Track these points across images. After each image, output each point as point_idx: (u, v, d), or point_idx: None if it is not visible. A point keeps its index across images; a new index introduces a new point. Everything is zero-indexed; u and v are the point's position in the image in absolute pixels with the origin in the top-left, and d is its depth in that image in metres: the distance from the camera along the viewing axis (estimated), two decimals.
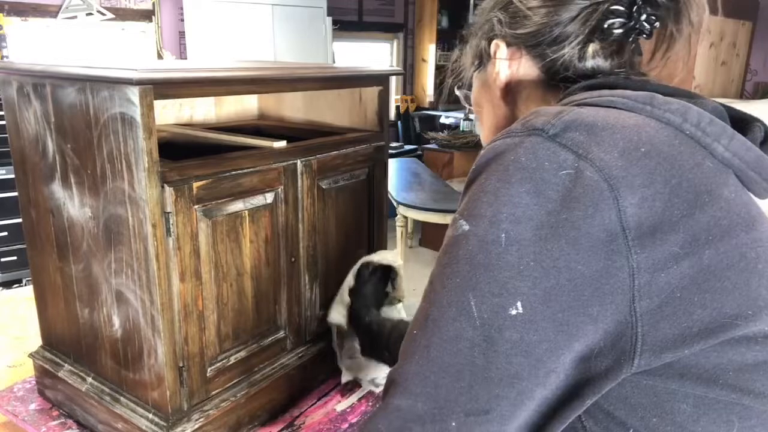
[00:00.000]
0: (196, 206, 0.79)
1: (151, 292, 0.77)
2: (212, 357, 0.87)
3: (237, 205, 0.85)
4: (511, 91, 0.65)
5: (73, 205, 0.85)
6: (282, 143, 0.93)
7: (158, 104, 0.74)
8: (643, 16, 0.57)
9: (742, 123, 0.53)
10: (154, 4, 4.12)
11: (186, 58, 4.15)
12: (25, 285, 3.04)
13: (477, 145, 4.59)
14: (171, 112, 1.21)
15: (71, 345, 0.96)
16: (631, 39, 0.59)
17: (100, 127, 0.76)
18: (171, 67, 0.78)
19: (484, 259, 0.46)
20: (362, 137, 1.09)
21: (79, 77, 0.76)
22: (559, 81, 0.60)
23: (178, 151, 0.87)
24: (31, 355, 1.02)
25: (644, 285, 0.43)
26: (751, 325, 0.45)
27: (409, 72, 6.29)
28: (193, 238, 0.79)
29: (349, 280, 1.04)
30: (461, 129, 5.21)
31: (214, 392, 0.88)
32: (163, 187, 0.74)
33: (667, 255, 0.43)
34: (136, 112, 0.70)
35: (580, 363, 0.46)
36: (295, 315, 1.00)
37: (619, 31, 0.57)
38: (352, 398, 1.06)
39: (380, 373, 1.07)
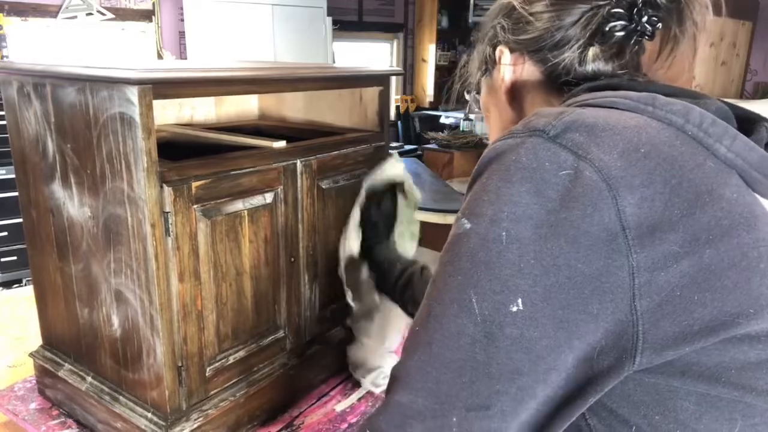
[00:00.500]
0: (195, 206, 0.79)
1: (150, 292, 0.77)
2: (211, 357, 0.87)
3: (236, 205, 0.85)
4: (516, 95, 0.66)
5: (73, 204, 0.85)
6: (282, 143, 0.93)
7: (159, 104, 0.74)
8: (644, 18, 0.57)
9: (748, 122, 0.53)
10: (154, 4, 4.12)
11: (186, 58, 4.16)
12: (25, 285, 3.04)
13: (477, 145, 4.59)
14: (171, 112, 1.21)
15: (71, 344, 0.96)
16: (633, 41, 0.60)
17: (99, 127, 0.76)
18: (170, 67, 0.78)
19: (485, 256, 0.46)
20: (362, 137, 1.09)
21: (79, 77, 0.76)
22: (561, 84, 0.61)
23: (179, 151, 0.87)
24: (31, 355, 1.02)
25: (644, 284, 0.44)
26: (753, 324, 0.46)
27: (409, 72, 6.30)
28: (192, 237, 0.79)
29: (356, 215, 1.01)
30: (461, 129, 5.21)
31: (213, 392, 0.88)
32: (162, 187, 0.74)
33: (666, 254, 0.44)
34: (135, 112, 0.70)
35: (582, 362, 0.46)
36: (294, 315, 1.00)
37: (621, 33, 0.58)
38: (352, 398, 1.06)
39: (383, 362, 1.07)
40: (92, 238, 0.83)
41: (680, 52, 0.61)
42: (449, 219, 3.15)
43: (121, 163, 0.74)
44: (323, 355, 1.07)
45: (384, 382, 1.07)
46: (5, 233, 3.20)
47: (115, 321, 0.84)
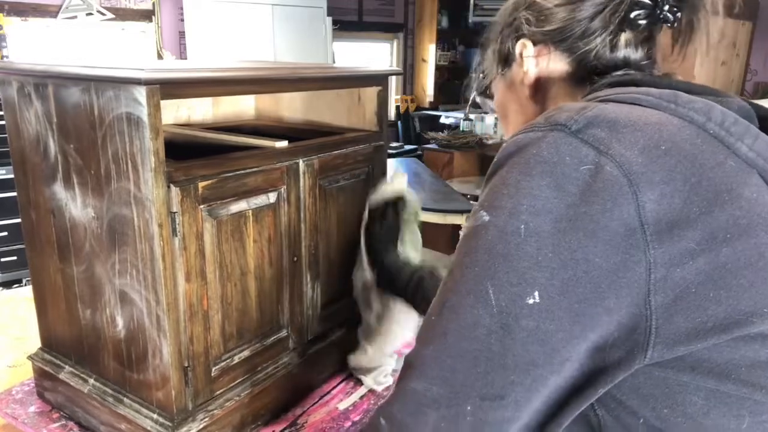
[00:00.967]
0: (201, 206, 0.79)
1: (156, 292, 0.77)
2: (217, 356, 0.87)
3: (241, 205, 0.86)
4: (539, 88, 0.66)
5: (76, 205, 0.84)
6: (284, 143, 0.94)
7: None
8: (666, 6, 0.58)
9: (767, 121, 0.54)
10: (154, 4, 4.12)
11: (186, 58, 4.15)
12: (25, 285, 3.04)
13: (477, 145, 4.59)
14: (169, 113, 1.21)
15: (72, 346, 0.95)
16: (658, 28, 0.61)
17: (105, 128, 0.75)
18: (177, 68, 0.78)
19: (503, 249, 0.47)
20: (362, 137, 1.10)
21: (84, 77, 0.75)
22: (588, 73, 0.61)
23: (178, 152, 0.87)
24: (30, 357, 1.01)
25: (660, 279, 0.44)
26: (767, 323, 0.46)
27: (409, 72, 6.30)
28: (198, 237, 0.79)
29: (364, 238, 1.04)
30: (461, 129, 5.21)
31: (218, 392, 0.88)
32: (169, 187, 0.74)
33: (683, 251, 0.44)
34: (143, 112, 0.70)
35: (594, 353, 0.47)
36: (297, 314, 1.00)
37: (644, 21, 0.59)
38: (354, 396, 1.06)
39: (384, 362, 1.07)
40: (96, 239, 0.83)
41: (693, 44, 0.62)
42: (449, 219, 3.16)
43: (128, 163, 0.74)
44: (325, 353, 1.07)
45: (386, 380, 1.08)
46: (5, 233, 3.20)
47: (120, 322, 0.84)
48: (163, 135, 0.72)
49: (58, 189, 0.86)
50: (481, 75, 0.74)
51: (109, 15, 3.92)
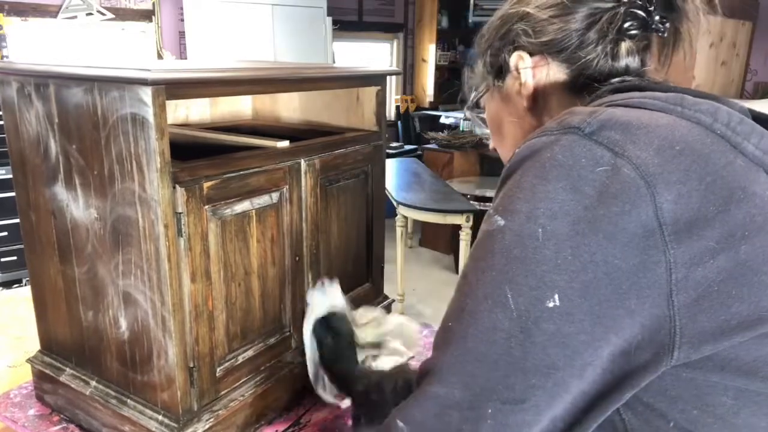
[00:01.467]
0: (206, 206, 0.79)
1: (162, 293, 0.77)
2: (221, 357, 0.87)
3: (244, 205, 0.86)
4: (537, 99, 0.66)
5: (78, 206, 0.84)
6: (285, 143, 0.94)
7: None
8: (657, 17, 0.59)
9: (763, 123, 0.54)
10: (154, 4, 4.11)
11: (186, 58, 4.15)
12: (25, 285, 3.03)
13: (477, 145, 4.59)
14: (168, 113, 1.21)
15: (73, 349, 0.94)
16: (651, 37, 0.62)
17: (108, 128, 0.75)
18: (181, 68, 0.78)
19: (520, 253, 0.47)
20: (361, 137, 1.10)
21: (87, 77, 0.75)
22: (587, 82, 0.61)
23: (178, 152, 0.86)
24: (29, 360, 1.01)
25: (681, 279, 0.45)
26: None
27: (409, 72, 6.29)
28: (203, 238, 0.79)
29: (313, 350, 0.90)
30: (461, 129, 5.21)
31: (223, 392, 0.88)
32: (174, 187, 0.74)
33: (703, 250, 0.45)
34: (149, 113, 0.70)
35: (619, 357, 0.47)
36: (299, 313, 1.00)
37: (637, 31, 0.60)
38: None
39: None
40: (98, 240, 0.83)
41: (678, 52, 0.63)
42: (449, 219, 3.16)
43: (132, 164, 0.74)
44: None
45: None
46: (5, 233, 3.20)
47: (123, 323, 0.84)
48: (168, 135, 0.72)
49: (59, 190, 0.86)
50: (470, 89, 0.73)
51: (109, 15, 3.91)
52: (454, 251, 3.83)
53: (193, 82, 0.76)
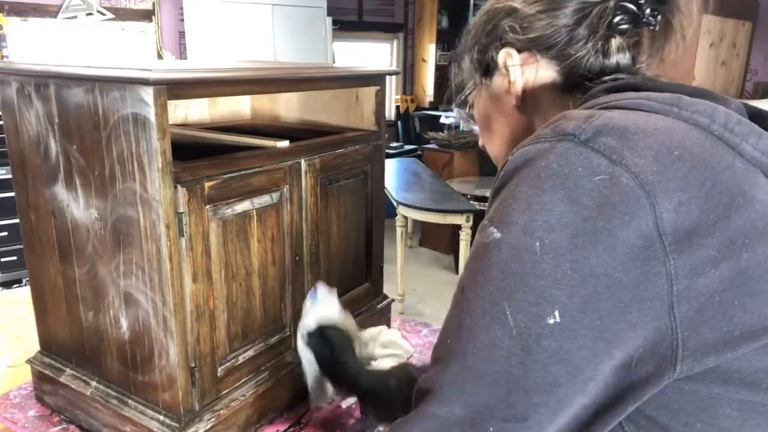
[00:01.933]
0: (207, 206, 0.79)
1: (163, 293, 0.77)
2: (222, 357, 0.87)
3: (245, 205, 0.86)
4: (527, 97, 0.64)
5: (78, 206, 0.84)
6: (285, 143, 0.94)
7: None
8: (648, 10, 0.58)
9: (760, 119, 0.53)
10: (154, 4, 4.11)
11: (186, 58, 4.15)
12: (25, 285, 3.03)
13: (477, 145, 4.61)
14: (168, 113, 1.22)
15: (73, 349, 0.94)
16: (642, 31, 0.60)
17: (109, 128, 0.75)
18: (183, 68, 0.78)
19: (518, 267, 0.45)
20: (361, 136, 1.10)
21: (88, 77, 0.75)
22: (578, 80, 0.60)
23: (178, 152, 0.86)
24: (29, 361, 1.00)
25: (683, 290, 0.43)
26: None
27: (409, 72, 6.29)
28: (204, 238, 0.79)
29: (310, 363, 0.91)
30: (461, 129, 5.21)
31: (224, 392, 0.88)
32: (176, 187, 0.74)
33: (704, 259, 0.43)
34: (150, 113, 0.70)
35: (620, 370, 0.45)
36: (299, 313, 1.00)
37: (627, 26, 0.58)
38: None
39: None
40: (99, 240, 0.83)
41: (669, 48, 0.62)
42: (449, 219, 3.16)
43: (133, 164, 0.74)
44: None
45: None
46: (5, 233, 3.19)
47: (124, 324, 0.84)
48: (169, 135, 0.72)
49: (60, 190, 0.86)
50: (459, 87, 0.72)
51: (109, 15, 3.91)
52: (454, 251, 3.83)
53: (194, 82, 0.75)
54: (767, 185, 0.48)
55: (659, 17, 0.59)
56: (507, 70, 0.63)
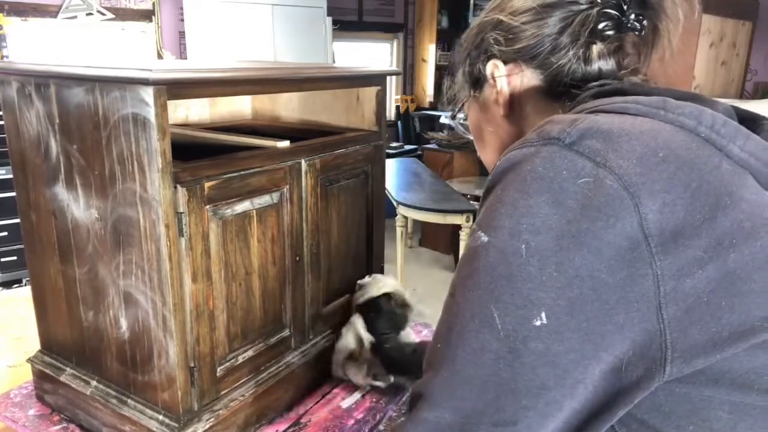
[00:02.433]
0: (207, 206, 0.79)
1: (163, 293, 0.77)
2: (222, 357, 0.87)
3: (245, 205, 0.86)
4: (514, 107, 0.65)
5: (78, 206, 0.84)
6: (285, 143, 0.94)
7: None
8: (632, 15, 0.59)
9: (751, 123, 0.53)
10: (154, 4, 4.11)
11: (186, 58, 4.15)
12: (25, 285, 3.03)
13: None
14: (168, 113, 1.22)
15: (73, 349, 0.95)
16: (626, 37, 0.60)
17: (109, 128, 0.75)
18: (183, 68, 0.78)
19: (505, 270, 0.46)
20: (361, 136, 1.10)
21: (88, 77, 0.75)
22: (562, 88, 0.60)
23: (178, 152, 0.87)
24: (29, 360, 1.01)
25: (670, 291, 0.43)
26: None
27: (409, 72, 6.30)
28: (204, 238, 0.79)
29: (359, 330, 1.05)
30: None
31: (223, 392, 0.88)
32: (176, 187, 0.74)
33: (691, 260, 0.43)
34: (150, 113, 0.70)
35: (610, 375, 0.46)
36: (299, 313, 1.00)
37: (612, 32, 0.59)
38: (357, 395, 1.06)
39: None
40: (99, 240, 0.83)
41: (657, 51, 0.62)
42: (449, 219, 3.16)
43: (133, 164, 0.74)
44: (326, 352, 1.07)
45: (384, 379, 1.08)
46: (5, 233, 3.20)
47: (124, 323, 0.84)
48: (169, 135, 0.72)
49: (60, 190, 0.86)
50: (451, 100, 0.73)
51: (109, 15, 3.91)
52: (454, 251, 3.83)
53: (194, 82, 0.76)
54: (756, 186, 0.48)
55: (645, 22, 0.60)
56: (494, 81, 0.65)
